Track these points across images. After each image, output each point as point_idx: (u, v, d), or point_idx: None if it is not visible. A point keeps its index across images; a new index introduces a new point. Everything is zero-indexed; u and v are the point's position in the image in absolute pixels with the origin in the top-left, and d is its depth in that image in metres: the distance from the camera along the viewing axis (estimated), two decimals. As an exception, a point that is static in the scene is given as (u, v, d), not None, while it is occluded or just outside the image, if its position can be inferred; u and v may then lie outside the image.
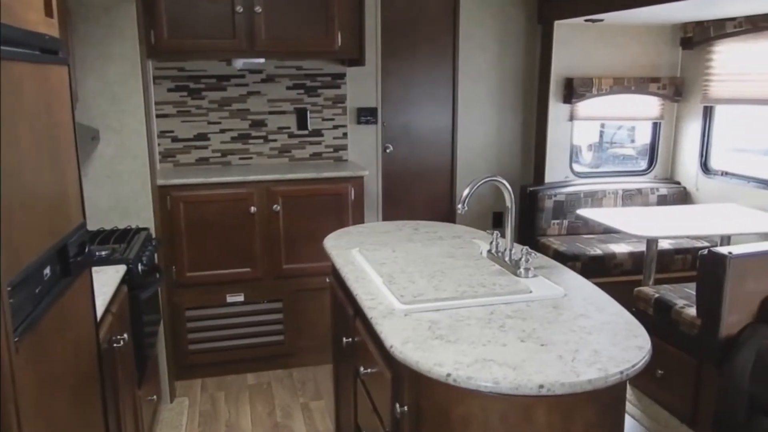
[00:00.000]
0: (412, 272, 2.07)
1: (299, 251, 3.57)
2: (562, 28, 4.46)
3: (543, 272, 2.10)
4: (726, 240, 3.75)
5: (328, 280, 2.57)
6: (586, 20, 4.29)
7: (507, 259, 2.13)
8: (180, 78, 3.81)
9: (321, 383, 3.56)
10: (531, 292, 1.89)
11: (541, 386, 1.37)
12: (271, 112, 3.98)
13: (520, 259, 2.05)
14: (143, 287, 2.57)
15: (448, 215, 4.83)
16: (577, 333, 1.62)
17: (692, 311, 2.95)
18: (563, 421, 1.44)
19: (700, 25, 4.36)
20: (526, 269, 2.04)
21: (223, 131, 3.92)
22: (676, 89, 4.63)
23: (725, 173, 4.39)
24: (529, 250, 2.07)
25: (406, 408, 1.60)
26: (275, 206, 3.52)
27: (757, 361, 2.59)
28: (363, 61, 3.67)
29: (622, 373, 1.42)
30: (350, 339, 2.14)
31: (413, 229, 2.71)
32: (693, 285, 3.14)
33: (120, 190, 3.12)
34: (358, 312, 1.99)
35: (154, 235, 3.13)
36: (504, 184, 2.08)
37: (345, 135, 4.10)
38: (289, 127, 4.02)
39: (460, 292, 1.87)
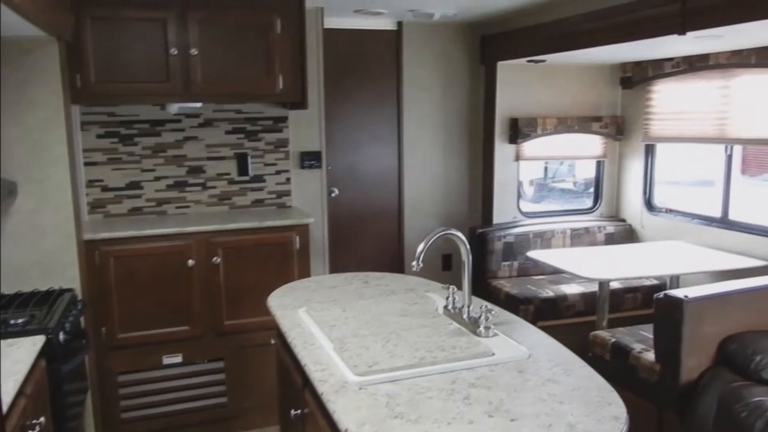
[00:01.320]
0: (365, 335, 1.91)
1: (242, 306, 3.35)
2: (505, 69, 4.47)
3: (503, 329, 1.97)
4: (675, 280, 3.75)
5: (273, 342, 2.37)
6: (529, 61, 4.31)
7: (465, 316, 1.99)
8: (110, 123, 3.58)
9: (268, 447, 3.32)
10: (494, 354, 1.76)
11: (516, 474, 1.22)
12: (209, 158, 3.78)
13: (480, 317, 1.92)
14: (66, 358, 2.31)
15: (397, 258, 4.71)
16: (548, 402, 1.49)
17: (650, 356, 2.88)
18: None
19: (638, 65, 4.45)
20: (486, 328, 1.91)
21: (157, 179, 3.70)
22: (618, 128, 4.68)
23: (669, 210, 4.43)
24: (489, 306, 1.94)
25: (364, 499, 1.42)
26: (215, 258, 3.30)
27: (719, 408, 2.52)
28: (306, 104, 3.53)
29: (601, 452, 1.29)
30: (299, 411, 1.95)
31: (363, 283, 2.56)
32: (648, 327, 3.09)
33: (41, 247, 2.85)
34: (308, 382, 1.80)
35: (80, 296, 2.87)
36: (459, 237, 1.96)
37: (288, 180, 3.94)
38: (229, 173, 3.82)
39: (419, 359, 1.72)
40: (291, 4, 3.42)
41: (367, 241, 4.66)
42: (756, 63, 3.57)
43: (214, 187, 3.80)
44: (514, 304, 3.94)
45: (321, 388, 1.61)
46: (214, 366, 3.40)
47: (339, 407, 1.49)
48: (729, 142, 3.92)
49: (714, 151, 4.14)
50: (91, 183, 3.57)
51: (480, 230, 4.46)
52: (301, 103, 3.55)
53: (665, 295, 2.75)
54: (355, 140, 4.53)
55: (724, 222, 4.00)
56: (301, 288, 2.52)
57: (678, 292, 2.72)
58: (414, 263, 1.90)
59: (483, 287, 4.31)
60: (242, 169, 3.83)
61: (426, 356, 1.74)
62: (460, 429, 1.37)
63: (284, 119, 3.89)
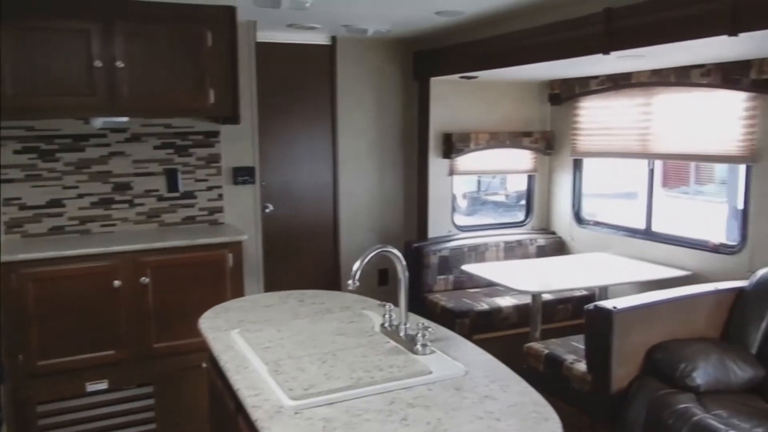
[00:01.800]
0: (301, 357, 1.86)
1: (172, 327, 3.23)
2: (438, 84, 4.52)
3: (440, 346, 1.97)
4: (604, 291, 3.87)
5: (204, 365, 2.29)
6: (461, 77, 4.38)
7: (402, 334, 1.98)
8: (29, 138, 3.40)
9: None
10: (431, 372, 1.75)
11: (455, 497, 1.21)
12: (137, 174, 3.64)
13: (417, 334, 1.91)
14: (-23, 390, 2.15)
15: (333, 274, 4.66)
16: (485, 420, 1.49)
17: (582, 366, 2.95)
18: None
19: (566, 82, 4.59)
20: (423, 345, 1.90)
21: (81, 196, 3.53)
22: (548, 143, 4.82)
23: (597, 223, 4.58)
24: (426, 324, 1.94)
25: None
26: (143, 279, 3.18)
27: (648, 416, 2.60)
28: (238, 119, 3.46)
29: (539, 469, 1.30)
30: (232, 438, 1.87)
31: (298, 301, 2.51)
32: (579, 337, 3.16)
33: (-49, 271, 2.67)
34: (241, 407, 1.74)
35: (-6, 322, 2.70)
36: (395, 255, 1.95)
37: (220, 196, 3.84)
38: (157, 190, 3.69)
39: (356, 380, 1.69)
40: (223, 17, 3.35)
41: (303, 258, 4.59)
42: (674, 81, 3.74)
43: (142, 204, 3.66)
44: (450, 317, 3.96)
45: (255, 414, 1.55)
46: (142, 392, 3.25)
47: (274, 434, 1.44)
48: (651, 157, 4.09)
49: (637, 164, 4.31)
50: (7, 201, 3.38)
51: (416, 244, 4.47)
52: (233, 118, 3.47)
53: (595, 306, 2.82)
54: (289, 156, 4.48)
55: (647, 234, 4.16)
56: (234, 308, 2.44)
57: (607, 304, 2.80)
58: (350, 282, 1.87)
59: (419, 301, 4.32)
60: (172, 186, 3.71)
61: (363, 377, 1.71)
62: (399, 452, 1.35)
63: (216, 134, 3.80)
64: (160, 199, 3.70)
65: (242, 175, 3.89)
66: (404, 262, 1.96)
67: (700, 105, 3.68)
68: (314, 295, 2.62)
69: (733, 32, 2.39)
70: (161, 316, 3.23)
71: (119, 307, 3.15)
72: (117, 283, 3.13)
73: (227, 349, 1.99)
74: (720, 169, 7.95)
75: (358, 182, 4.68)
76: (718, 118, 3.58)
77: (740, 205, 3.68)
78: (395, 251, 1.95)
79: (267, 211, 4.33)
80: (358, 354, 1.88)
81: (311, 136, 4.54)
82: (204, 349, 2.24)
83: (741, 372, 2.75)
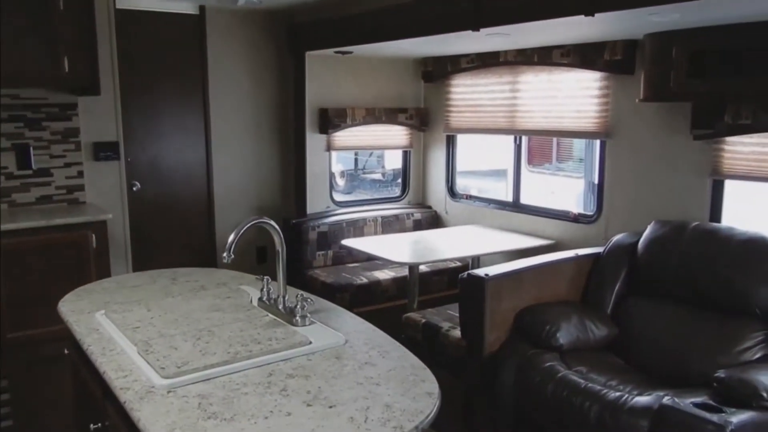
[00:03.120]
0: (174, 335, 1.78)
1: (29, 316, 2.98)
2: (314, 59, 4.46)
3: (320, 317, 1.96)
4: (476, 260, 4.03)
5: (66, 351, 2.13)
6: (336, 52, 4.35)
7: (281, 306, 1.95)
8: None
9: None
10: (311, 343, 1.73)
11: (337, 460, 1.21)
12: (-19, 150, 3.30)
13: (296, 306, 1.89)
14: None
15: (209, 256, 4.50)
16: (365, 386, 1.50)
17: (457, 333, 3.06)
18: (361, 493, 1.29)
19: (438, 60, 4.70)
20: (303, 317, 1.88)
21: None
22: (422, 119, 4.92)
23: (469, 196, 4.76)
24: (305, 295, 1.91)
25: None
26: (-8, 264, 2.90)
27: (517, 376, 2.75)
28: (97, 90, 3.22)
29: (417, 427, 1.33)
30: (99, 425, 1.76)
31: (170, 280, 2.39)
32: (454, 306, 3.28)
33: None
34: (109, 392, 1.63)
35: None
36: (272, 226, 1.90)
37: (80, 173, 3.57)
38: (6, 167, 3.37)
39: (233, 354, 1.64)
40: (76, -23, 3.10)
41: (176, 239, 4.39)
42: (538, 61, 3.94)
43: (-12, 183, 3.33)
44: (330, 292, 3.96)
45: (123, 396, 1.46)
46: (-5, 386, 2.98)
47: (145, 415, 1.37)
48: (517, 133, 4.30)
49: (506, 142, 4.52)
50: None
51: (294, 221, 4.42)
52: (91, 89, 3.23)
53: (468, 274, 2.93)
54: (157, 131, 4.24)
55: (515, 206, 4.39)
56: (98, 290, 2.28)
57: (480, 271, 2.92)
58: (225, 254, 1.80)
59: (299, 278, 4.28)
60: (23, 162, 3.40)
61: (240, 351, 1.66)
62: (278, 422, 1.32)
63: (73, 106, 3.52)
64: (10, 177, 3.39)
65: (104, 150, 3.65)
66: (281, 234, 1.92)
67: (561, 84, 3.91)
68: (188, 273, 2.51)
69: (589, 12, 2.55)
70: (16, 305, 2.96)
71: (-36, 296, 2.86)
72: (-40, 269, 2.83)
73: (91, 332, 1.86)
74: (578, 149, 8.53)
75: (234, 158, 4.54)
76: (577, 96, 3.83)
77: (596, 180, 3.97)
78: (272, 222, 1.90)
79: (135, 189, 4.09)
80: (235, 329, 1.83)
81: (181, 111, 4.33)
82: (65, 337, 2.08)
83: (598, 331, 2.98)
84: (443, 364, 3.05)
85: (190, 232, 4.45)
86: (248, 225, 1.85)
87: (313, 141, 4.56)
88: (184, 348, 1.68)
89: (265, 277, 2.09)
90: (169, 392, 1.46)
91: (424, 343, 3.19)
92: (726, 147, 3.11)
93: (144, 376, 1.55)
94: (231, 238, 1.81)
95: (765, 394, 2.19)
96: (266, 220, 1.90)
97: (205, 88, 4.36)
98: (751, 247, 2.74)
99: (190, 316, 1.94)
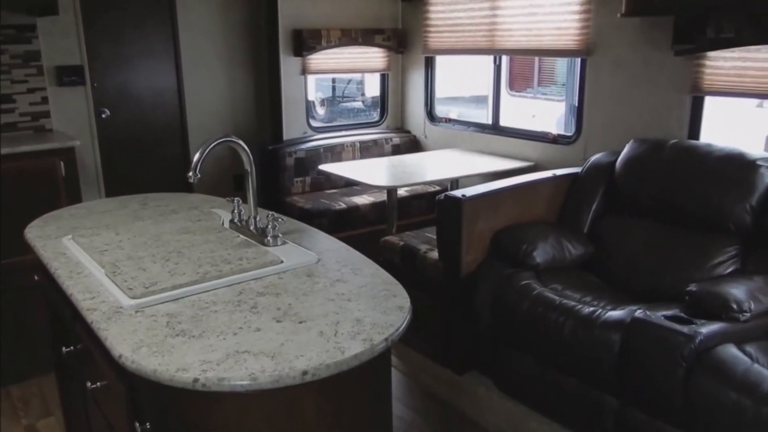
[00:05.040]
0: (143, 257, 1.74)
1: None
2: (286, -23, 4.27)
3: (293, 237, 1.93)
4: (455, 183, 4.01)
5: (36, 278, 2.09)
6: (309, -31, 4.17)
7: (252, 227, 1.92)
8: None
9: (50, 396, 3.01)
10: (282, 262, 1.71)
11: (305, 372, 1.20)
12: (-63, 75, 3.16)
13: (267, 226, 1.86)
14: None
15: (183, 185, 4.43)
16: (336, 302, 1.49)
17: (435, 255, 3.07)
18: (333, 404, 1.30)
19: (415, -23, 4.52)
20: (274, 237, 1.85)
21: None
22: (399, 41, 4.77)
23: (448, 120, 4.69)
24: (276, 215, 1.88)
25: (148, 425, 1.33)
26: (-43, 193, 2.82)
27: (494, 295, 2.78)
28: (56, 9, 3.06)
29: (387, 340, 1.32)
30: (71, 348, 1.75)
31: (141, 205, 2.34)
32: (433, 229, 3.27)
33: None
34: (79, 315, 1.61)
35: None
36: (240, 144, 1.85)
37: (45, 99, 3.45)
38: (-35, 94, 3.24)
39: (202, 274, 1.61)
40: None
41: (150, 166, 4.30)
42: (518, -24, 3.80)
43: (-53, 110, 3.20)
44: (308, 218, 3.94)
45: (90, 317, 1.44)
46: (-30, 316, 2.96)
47: (112, 334, 1.35)
48: (497, 52, 4.20)
49: (486, 64, 4.41)
50: None
51: (271, 147, 4.34)
52: (49, 8, 3.06)
53: (446, 195, 2.91)
54: (124, 55, 4.07)
55: (494, 129, 4.33)
56: (66, 216, 2.23)
57: (456, 193, 2.89)
58: (190, 174, 1.75)
59: (277, 205, 4.24)
60: (-17, 88, 3.27)
61: (210, 271, 1.64)
62: (247, 337, 1.31)
63: (32, 28, 3.36)
64: (-29, 103, 3.26)
65: (68, 75, 3.51)
66: (249, 153, 1.86)
67: (542, 1, 3.79)
68: (159, 197, 2.46)
69: None
70: (-16, 233, 2.91)
71: (-69, 226, 2.79)
72: (-76, 199, 2.75)
73: (58, 256, 1.82)
74: (561, 73, 8.41)
75: (207, 83, 4.41)
76: (558, 12, 3.71)
77: (576, 102, 3.91)
78: (239, 141, 1.84)
79: (104, 116, 3.96)
80: (206, 250, 1.80)
81: (149, 33, 4.15)
82: (36, 266, 2.04)
83: (574, 250, 2.99)
84: (422, 286, 3.07)
85: (164, 159, 4.36)
86: (214, 144, 1.79)
87: (288, 64, 4.42)
88: (153, 269, 1.65)
89: (236, 198, 2.05)
90: (137, 312, 1.45)
91: (402, 266, 3.20)
92: (707, 62, 3.05)
93: (112, 297, 1.52)
94: (196, 157, 1.75)
95: (734, 306, 2.23)
96: (233, 138, 1.84)
97: (173, 8, 4.17)
98: (727, 163, 2.73)
99: (160, 239, 1.90)
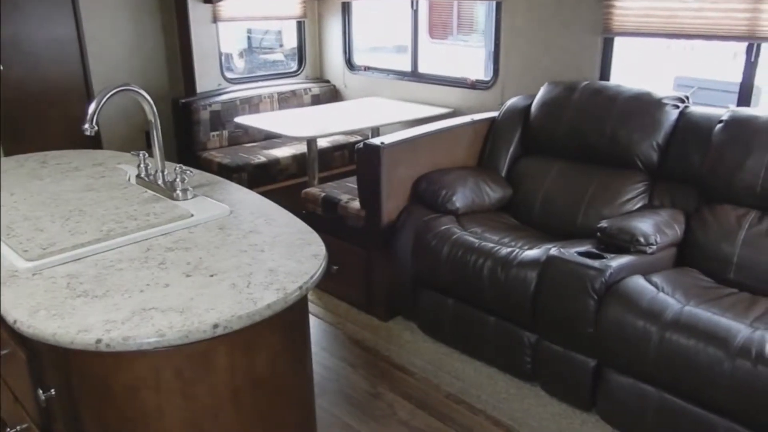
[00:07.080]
0: (40, 217, 1.64)
1: None
2: None
3: (204, 191, 1.87)
4: (376, 132, 3.98)
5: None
6: None
7: (160, 182, 1.83)
8: None
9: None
10: (192, 215, 1.65)
11: (216, 326, 1.17)
12: None
13: (175, 179, 1.78)
14: None
15: (91, 142, 4.19)
16: (249, 253, 1.45)
17: (356, 204, 3.05)
18: (247, 356, 1.27)
19: None
20: (184, 190, 1.78)
21: None
22: (314, -14, 4.62)
23: (367, 68, 4.61)
24: (184, 167, 1.80)
25: (53, 392, 1.27)
26: None
27: (415, 240, 2.80)
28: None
29: (301, 288, 1.30)
30: (-33, 317, 1.64)
31: (40, 163, 2.20)
32: (354, 179, 3.24)
33: None
34: (-30, 282, 1.51)
35: None
36: (140, 93, 1.74)
37: (-75, 53, 3.14)
38: None
39: (106, 232, 1.53)
40: None
41: (51, 126, 4.03)
42: None
43: None
44: (226, 173, 3.82)
45: (-18, 282, 1.34)
46: None
47: (7, 299, 1.26)
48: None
49: (404, 11, 4.34)
50: None
51: (183, 100, 4.15)
52: None
53: (364, 144, 2.88)
54: (11, 2, 3.74)
55: (414, 75, 4.30)
56: (-46, 178, 2.07)
57: (375, 140, 2.86)
58: (86, 125, 1.64)
59: (193, 161, 4.09)
60: None
61: (115, 228, 1.56)
62: (155, 294, 1.26)
63: None
64: None
65: (-49, 25, 3.20)
66: (152, 102, 1.76)
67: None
68: (60, 155, 2.32)
69: None
70: None
71: None
72: None
73: (-55, 220, 1.69)
74: (481, 21, 8.41)
75: (110, 34, 4.14)
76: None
77: (493, 48, 3.91)
78: (140, 90, 1.74)
79: (-4, 71, 3.67)
80: (110, 207, 1.71)
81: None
82: None
83: (493, 193, 3.05)
84: (345, 236, 3.06)
85: (68, 120, 4.09)
86: (112, 92, 1.68)
87: (197, 11, 4.19)
88: (52, 229, 1.56)
89: (142, 152, 1.95)
90: (34, 275, 1.36)
91: (325, 217, 3.17)
92: (616, 3, 3.10)
93: (6, 261, 1.43)
94: (92, 107, 1.64)
95: (642, 239, 2.33)
96: (133, 87, 1.73)
97: (65, -49, 3.86)
98: (635, 103, 2.82)
99: (60, 198, 1.80)
